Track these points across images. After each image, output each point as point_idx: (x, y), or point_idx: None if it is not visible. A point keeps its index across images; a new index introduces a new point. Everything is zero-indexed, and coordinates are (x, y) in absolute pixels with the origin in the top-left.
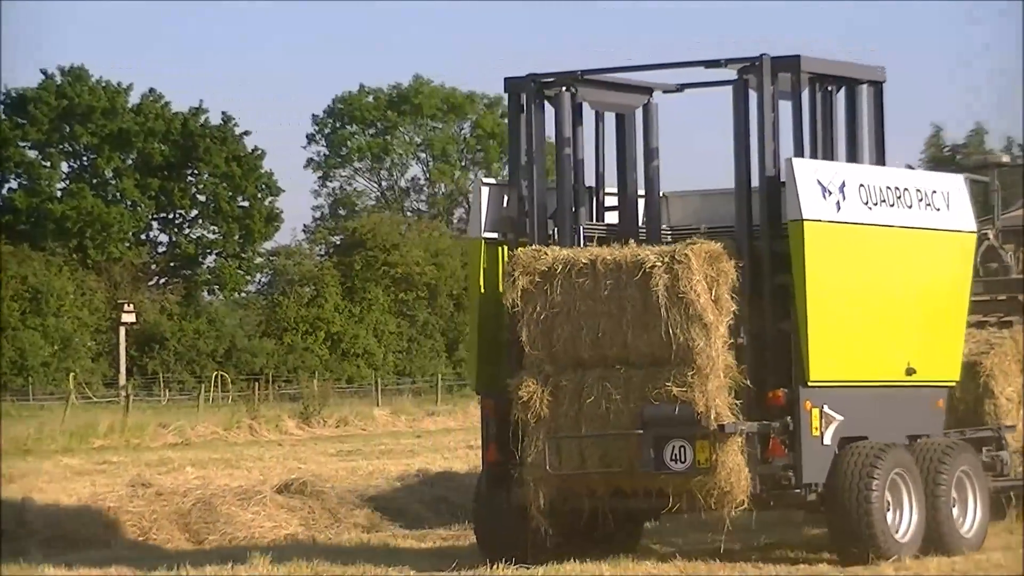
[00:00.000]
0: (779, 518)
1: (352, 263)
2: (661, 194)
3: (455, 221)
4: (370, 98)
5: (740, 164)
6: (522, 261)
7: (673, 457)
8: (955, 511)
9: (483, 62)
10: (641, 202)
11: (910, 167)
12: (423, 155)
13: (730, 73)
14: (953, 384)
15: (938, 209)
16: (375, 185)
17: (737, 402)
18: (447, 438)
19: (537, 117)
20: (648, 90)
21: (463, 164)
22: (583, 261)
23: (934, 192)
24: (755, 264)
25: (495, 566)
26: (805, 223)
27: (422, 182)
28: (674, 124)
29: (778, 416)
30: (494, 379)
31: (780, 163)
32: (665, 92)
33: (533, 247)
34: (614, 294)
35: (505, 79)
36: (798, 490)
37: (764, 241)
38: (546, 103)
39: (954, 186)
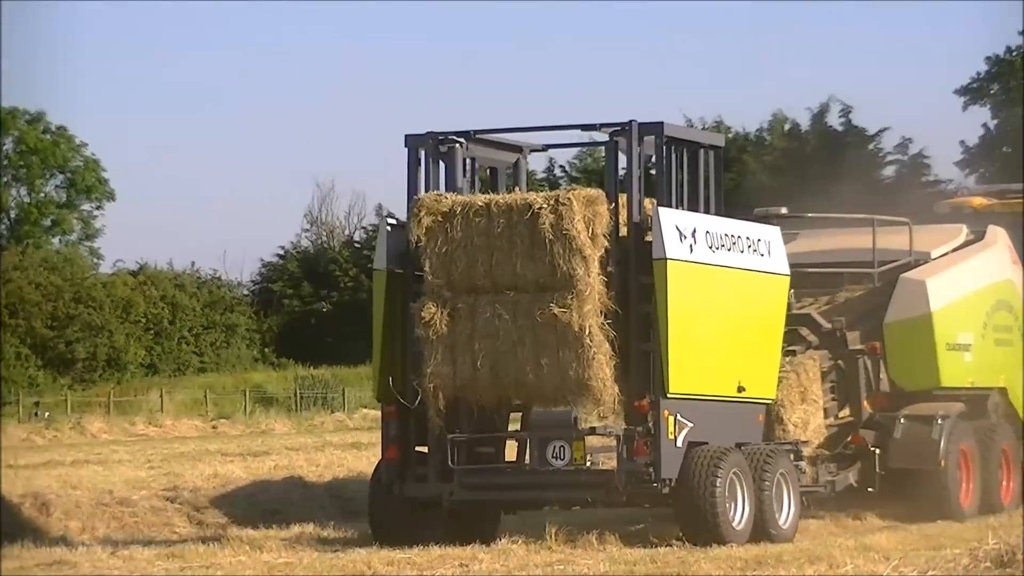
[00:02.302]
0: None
1: None
2: None
3: None
4: None
5: (611, 211)
6: (426, 203)
7: (554, 455)
8: (775, 506)
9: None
10: None
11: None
12: None
13: (602, 135)
14: (770, 401)
15: (762, 255)
16: None
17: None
18: None
19: (433, 168)
20: (520, 148)
21: (5, 180)
22: (479, 204)
23: (759, 240)
24: (622, 294)
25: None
26: (668, 261)
27: None
28: None
29: (641, 422)
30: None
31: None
32: (532, 151)
33: (435, 192)
34: (506, 231)
35: (406, 136)
36: (656, 484)
37: (632, 275)
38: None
39: (773, 235)
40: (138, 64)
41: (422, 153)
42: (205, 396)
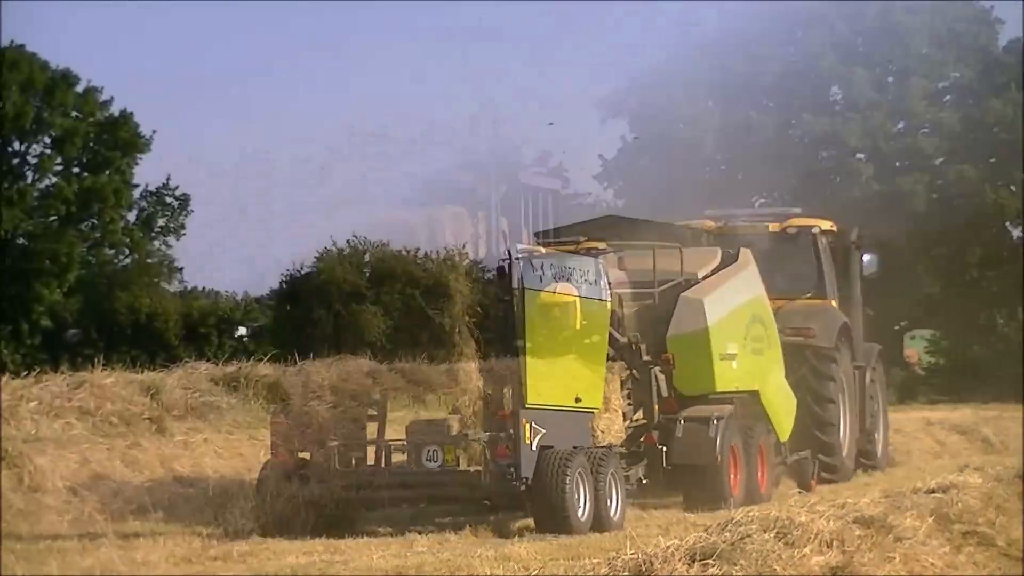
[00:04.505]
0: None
1: None
2: None
3: None
4: None
5: (482, 247)
6: None
7: (428, 458)
8: (608, 500)
9: None
10: None
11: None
12: None
13: None
14: (598, 409)
15: (591, 283)
16: None
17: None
18: None
19: None
20: None
21: None
22: None
23: (588, 271)
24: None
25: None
26: (526, 291)
27: None
28: None
29: (503, 428)
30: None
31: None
32: None
33: None
34: None
35: None
36: (515, 482)
37: (492, 305)
38: None
39: (598, 266)
40: None
41: None
42: None
